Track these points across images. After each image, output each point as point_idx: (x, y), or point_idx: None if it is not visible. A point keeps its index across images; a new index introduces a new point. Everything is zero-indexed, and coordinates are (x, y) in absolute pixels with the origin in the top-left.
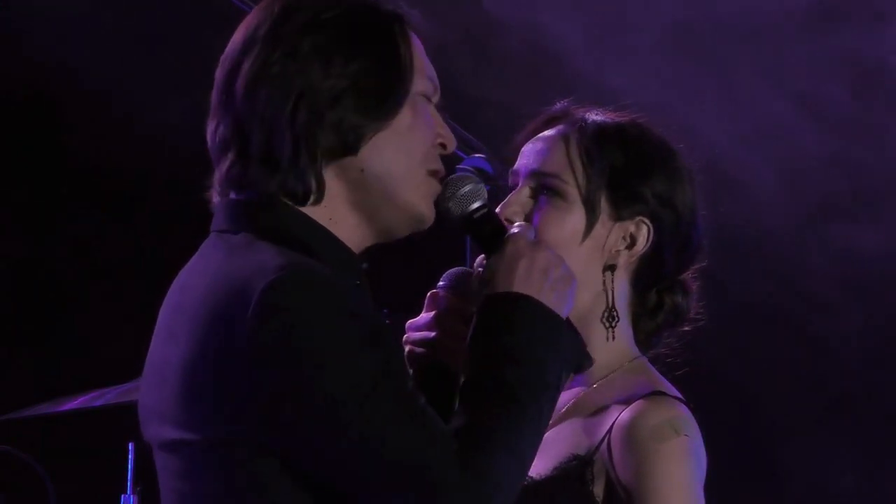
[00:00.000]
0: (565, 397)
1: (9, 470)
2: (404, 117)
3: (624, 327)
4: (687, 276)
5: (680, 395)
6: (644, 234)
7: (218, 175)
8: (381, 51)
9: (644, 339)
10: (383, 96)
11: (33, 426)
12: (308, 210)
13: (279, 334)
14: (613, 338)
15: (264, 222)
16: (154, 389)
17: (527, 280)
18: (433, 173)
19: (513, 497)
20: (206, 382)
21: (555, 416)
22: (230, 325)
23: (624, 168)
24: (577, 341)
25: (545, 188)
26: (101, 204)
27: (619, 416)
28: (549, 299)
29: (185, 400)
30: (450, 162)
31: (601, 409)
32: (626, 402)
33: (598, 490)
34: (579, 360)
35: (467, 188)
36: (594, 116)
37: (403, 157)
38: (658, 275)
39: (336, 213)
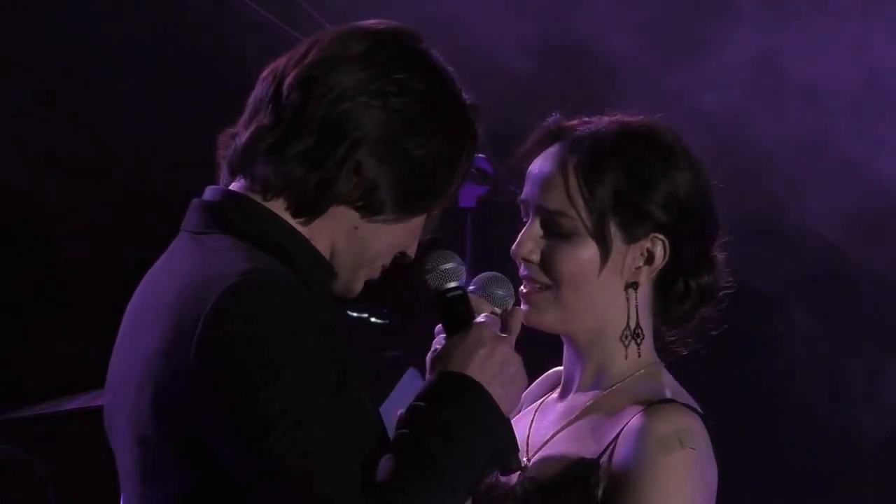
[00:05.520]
0: (580, 400)
1: (9, 470)
2: (417, 221)
3: (646, 337)
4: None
5: (692, 403)
6: (660, 248)
7: (247, 134)
8: (449, 159)
9: (675, 323)
10: (424, 196)
11: (33, 426)
12: (291, 223)
13: (225, 341)
14: (639, 355)
15: (242, 224)
16: (115, 389)
17: (481, 368)
18: (384, 267)
19: None
20: (162, 382)
21: (568, 418)
22: (188, 327)
23: (627, 190)
24: (511, 441)
25: (553, 224)
26: (102, 204)
27: (629, 422)
28: (496, 392)
29: (143, 400)
30: None
31: (612, 415)
32: (638, 408)
33: (602, 494)
34: (507, 460)
35: (449, 266)
36: (589, 134)
37: (388, 247)
38: (681, 268)
39: (315, 239)
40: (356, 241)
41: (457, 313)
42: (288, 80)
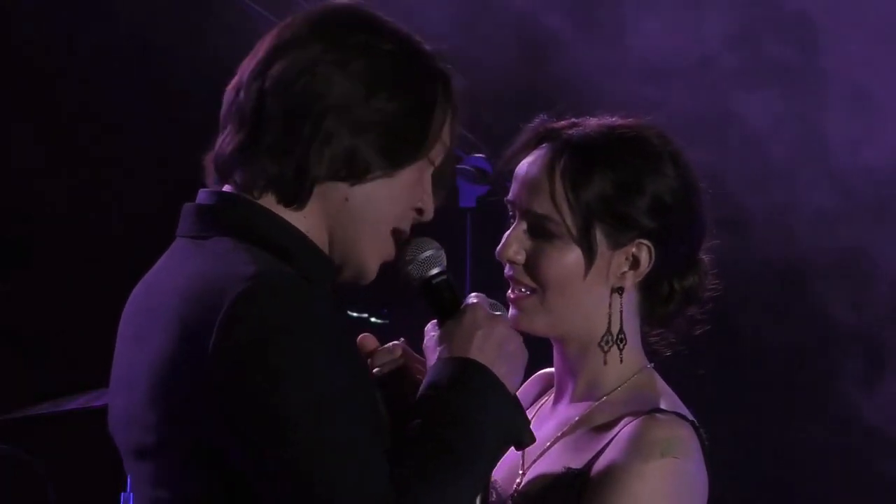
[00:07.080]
0: (574, 411)
1: (9, 470)
2: (410, 172)
3: (632, 341)
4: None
5: (682, 411)
6: (645, 253)
7: (219, 146)
8: (422, 106)
9: (659, 323)
10: (406, 147)
11: (33, 426)
12: (287, 216)
13: (240, 347)
14: (621, 360)
15: (240, 224)
16: (121, 393)
17: (482, 350)
18: (397, 233)
19: None
20: (173, 386)
21: (562, 429)
22: (200, 332)
23: (613, 196)
24: (522, 418)
25: (539, 228)
26: (103, 204)
27: (618, 433)
28: (500, 371)
29: (152, 403)
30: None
31: (605, 425)
32: (630, 419)
33: (582, 499)
34: (520, 436)
35: (428, 253)
36: (577, 138)
37: (386, 207)
38: (667, 270)
39: (311, 228)
40: (350, 213)
41: (443, 299)
42: (245, 81)
